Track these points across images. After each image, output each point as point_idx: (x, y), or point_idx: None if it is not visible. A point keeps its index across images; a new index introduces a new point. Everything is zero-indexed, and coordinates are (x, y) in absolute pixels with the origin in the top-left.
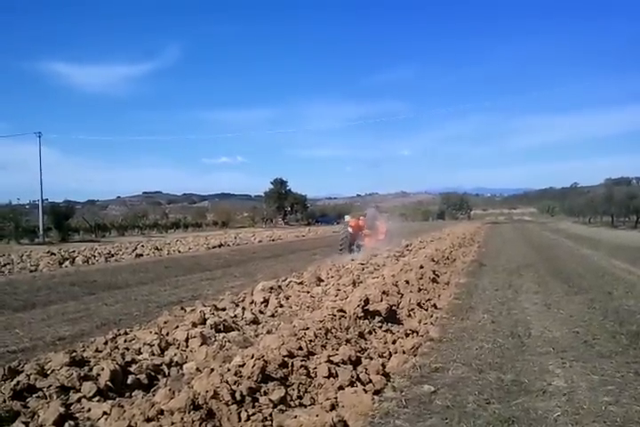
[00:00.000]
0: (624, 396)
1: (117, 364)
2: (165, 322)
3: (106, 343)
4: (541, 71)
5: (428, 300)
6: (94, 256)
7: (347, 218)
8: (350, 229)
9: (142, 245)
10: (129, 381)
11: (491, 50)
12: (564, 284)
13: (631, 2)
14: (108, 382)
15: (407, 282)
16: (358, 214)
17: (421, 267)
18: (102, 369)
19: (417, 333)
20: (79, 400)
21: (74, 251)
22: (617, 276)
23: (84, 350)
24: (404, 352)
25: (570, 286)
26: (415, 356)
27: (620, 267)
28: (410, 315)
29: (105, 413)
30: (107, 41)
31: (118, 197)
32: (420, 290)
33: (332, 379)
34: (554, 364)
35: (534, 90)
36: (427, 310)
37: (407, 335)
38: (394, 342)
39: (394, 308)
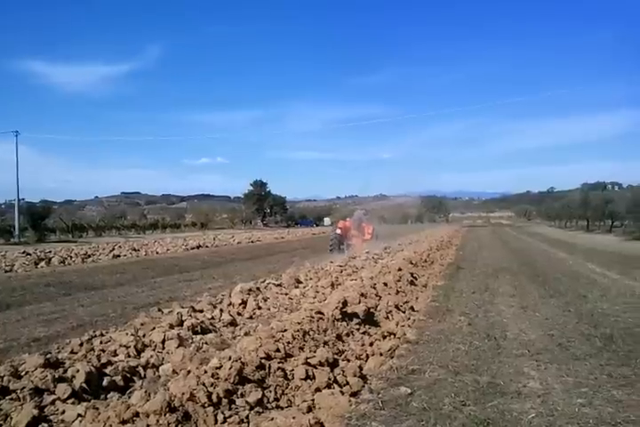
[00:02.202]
0: (597, 398)
1: (93, 366)
2: (142, 324)
3: (81, 345)
4: (521, 77)
5: (406, 302)
6: (71, 257)
7: (326, 220)
8: (339, 231)
9: (120, 246)
10: (104, 383)
11: (473, 55)
12: (540, 287)
13: (615, 11)
14: (83, 384)
15: (385, 284)
16: (338, 217)
17: (400, 269)
18: (77, 371)
19: (394, 335)
20: (53, 402)
21: (50, 251)
22: (592, 279)
23: (58, 352)
24: (381, 354)
25: (545, 290)
26: (392, 358)
27: (595, 271)
28: (387, 317)
29: (79, 415)
30: (86, 40)
31: (96, 197)
32: (397, 292)
33: (309, 381)
34: (529, 366)
35: (513, 95)
36: (404, 312)
37: (384, 337)
38: (371, 344)
39: (372, 310)
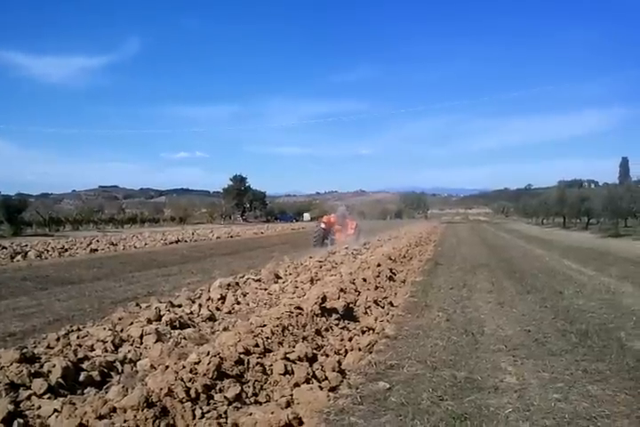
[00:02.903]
0: (572, 393)
1: (69, 360)
2: (120, 318)
3: (58, 340)
4: (501, 75)
5: (385, 297)
6: (47, 251)
7: (306, 216)
8: (323, 226)
9: (97, 240)
10: (81, 378)
11: (453, 53)
12: (517, 283)
13: (589, 10)
14: (60, 380)
15: (364, 280)
16: (318, 212)
17: (378, 265)
18: (54, 366)
19: (373, 330)
20: (29, 398)
21: (26, 245)
22: (568, 276)
23: (35, 347)
24: (359, 349)
25: (522, 286)
26: (371, 353)
27: (572, 267)
28: (366, 312)
29: (56, 410)
30: (65, 31)
31: (73, 190)
32: (376, 288)
33: (287, 376)
34: (506, 361)
35: (492, 93)
36: (383, 307)
37: (363, 333)
38: (350, 340)
39: (351, 305)
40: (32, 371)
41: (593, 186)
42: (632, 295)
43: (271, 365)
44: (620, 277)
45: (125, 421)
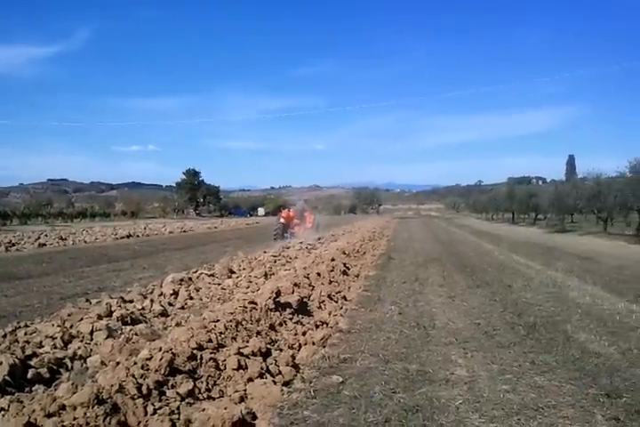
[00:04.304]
0: (521, 384)
1: (17, 357)
2: (69, 314)
3: (4, 336)
4: (452, 72)
5: (339, 292)
6: None
7: (260, 211)
8: (282, 220)
9: (46, 235)
10: (29, 375)
11: (407, 50)
12: (468, 277)
13: (542, 11)
14: (7, 377)
15: (318, 274)
16: (272, 207)
17: (332, 259)
18: (0, 363)
19: (327, 324)
20: None
21: None
22: (516, 270)
23: None
24: (313, 344)
25: (473, 280)
26: (324, 347)
27: (520, 262)
28: (320, 307)
29: (2, 409)
30: (10, 20)
31: (21, 183)
32: (330, 282)
33: (241, 371)
34: (456, 354)
35: (444, 91)
36: (337, 301)
37: (317, 327)
38: (304, 334)
39: (305, 300)
40: None
41: (541, 182)
42: (577, 289)
43: (224, 360)
44: (566, 271)
45: (75, 418)
